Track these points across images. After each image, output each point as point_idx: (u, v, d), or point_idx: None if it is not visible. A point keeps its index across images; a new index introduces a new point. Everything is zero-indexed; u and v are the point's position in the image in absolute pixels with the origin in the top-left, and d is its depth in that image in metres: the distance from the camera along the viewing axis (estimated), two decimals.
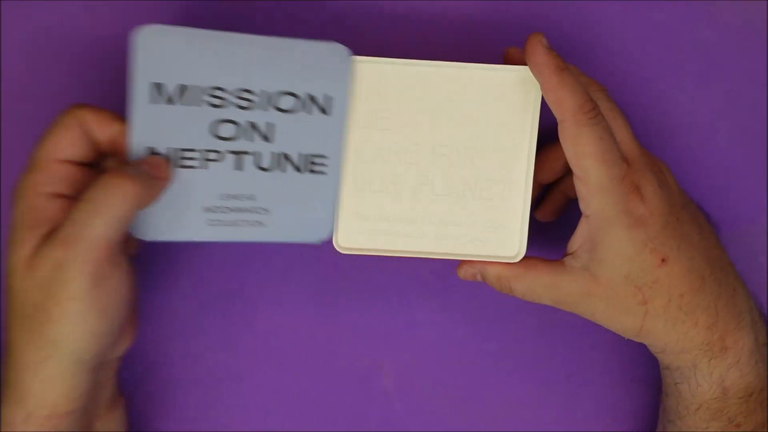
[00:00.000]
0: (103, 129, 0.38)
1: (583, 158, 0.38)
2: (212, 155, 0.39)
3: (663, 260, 0.39)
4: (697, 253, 0.40)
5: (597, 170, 0.38)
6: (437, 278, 0.48)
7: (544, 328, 0.50)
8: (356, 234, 0.41)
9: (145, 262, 0.47)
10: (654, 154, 0.42)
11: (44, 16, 0.46)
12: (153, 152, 0.38)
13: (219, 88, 0.38)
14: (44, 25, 0.46)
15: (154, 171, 0.37)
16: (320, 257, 0.48)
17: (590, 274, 0.39)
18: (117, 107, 0.47)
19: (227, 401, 0.52)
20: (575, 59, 0.47)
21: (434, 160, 0.40)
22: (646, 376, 0.51)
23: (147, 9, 0.46)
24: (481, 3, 0.46)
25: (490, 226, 0.41)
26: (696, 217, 0.41)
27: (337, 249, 0.41)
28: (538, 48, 0.38)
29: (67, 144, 0.37)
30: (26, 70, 0.47)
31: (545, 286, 0.40)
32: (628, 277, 0.39)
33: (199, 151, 0.38)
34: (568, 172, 0.43)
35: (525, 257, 0.41)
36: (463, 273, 0.42)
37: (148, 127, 0.38)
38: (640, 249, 0.38)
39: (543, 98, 0.39)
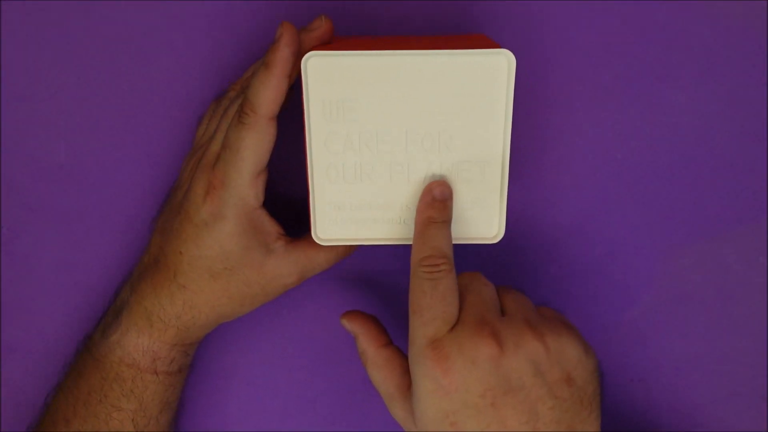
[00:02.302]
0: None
1: (409, 304, 0.38)
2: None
3: None
4: None
5: (412, 322, 0.38)
6: None
7: None
8: (333, 224, 0.41)
9: None
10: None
11: (44, 16, 0.46)
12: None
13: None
14: (44, 25, 0.46)
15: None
16: None
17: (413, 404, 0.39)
18: (117, 106, 0.48)
19: (227, 401, 0.52)
20: (575, 59, 0.47)
21: (408, 147, 0.40)
22: (646, 376, 0.51)
23: (146, 9, 0.46)
24: (481, 3, 0.46)
25: (469, 208, 0.41)
26: (534, 406, 0.37)
27: (316, 240, 0.42)
28: (424, 197, 0.40)
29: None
30: (26, 70, 0.47)
31: (388, 392, 0.41)
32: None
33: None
34: None
35: (392, 350, 0.41)
36: (344, 323, 0.43)
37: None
38: (442, 417, 0.37)
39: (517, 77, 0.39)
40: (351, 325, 0.43)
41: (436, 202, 0.40)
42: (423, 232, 0.39)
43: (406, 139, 0.40)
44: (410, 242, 0.42)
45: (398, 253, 0.49)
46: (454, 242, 0.41)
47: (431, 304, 0.38)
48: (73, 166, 0.48)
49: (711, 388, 0.51)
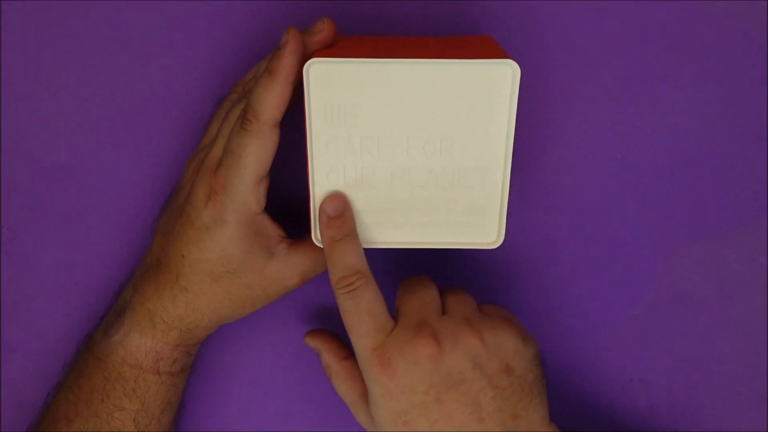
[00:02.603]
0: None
1: (343, 323, 0.40)
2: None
3: None
4: None
5: (351, 338, 0.40)
6: (437, 277, 0.48)
7: (542, 328, 0.50)
8: None
9: None
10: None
11: (44, 16, 0.46)
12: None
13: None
14: (44, 25, 0.46)
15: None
16: None
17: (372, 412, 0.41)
18: (118, 106, 0.48)
19: (227, 401, 0.52)
20: (575, 59, 0.47)
21: (409, 152, 0.40)
22: (646, 376, 0.51)
23: (146, 9, 0.46)
24: (482, 2, 0.46)
25: (469, 213, 0.41)
26: (476, 397, 0.39)
27: (316, 243, 0.42)
28: (320, 216, 0.41)
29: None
30: (26, 70, 0.47)
31: (352, 401, 0.43)
32: None
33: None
34: None
35: (352, 362, 0.43)
36: (307, 341, 0.46)
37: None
38: (395, 419, 0.39)
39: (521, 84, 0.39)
40: (314, 342, 0.46)
41: (332, 219, 0.40)
42: (330, 255, 0.40)
43: (407, 145, 0.39)
44: (410, 246, 0.42)
45: (398, 255, 0.49)
46: (454, 246, 0.42)
47: (359, 320, 0.39)
48: (73, 166, 0.48)
49: (711, 388, 0.51)
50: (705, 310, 0.50)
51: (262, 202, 0.41)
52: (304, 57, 0.38)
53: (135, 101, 0.47)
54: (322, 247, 0.42)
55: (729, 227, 0.49)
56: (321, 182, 0.40)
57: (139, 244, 0.49)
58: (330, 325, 0.50)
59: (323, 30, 0.39)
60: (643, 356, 0.50)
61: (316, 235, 0.42)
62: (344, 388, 0.44)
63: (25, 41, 0.46)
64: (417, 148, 0.40)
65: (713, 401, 0.51)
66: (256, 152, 0.39)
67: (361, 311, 0.39)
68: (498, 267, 0.50)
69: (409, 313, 0.40)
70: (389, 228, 0.41)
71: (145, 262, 0.45)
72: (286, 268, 0.43)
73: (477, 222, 0.41)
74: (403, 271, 0.49)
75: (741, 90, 0.47)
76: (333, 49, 0.40)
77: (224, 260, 0.41)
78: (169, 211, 0.44)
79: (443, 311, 0.41)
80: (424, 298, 0.41)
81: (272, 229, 0.42)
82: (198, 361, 0.50)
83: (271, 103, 0.38)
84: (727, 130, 0.48)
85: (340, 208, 0.41)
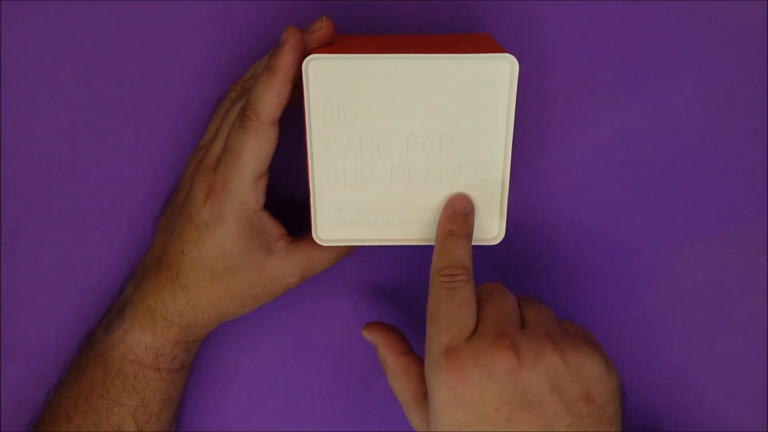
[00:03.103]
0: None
1: (427, 313, 0.38)
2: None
3: None
4: None
5: (428, 330, 0.38)
6: None
7: None
8: (334, 225, 0.41)
9: None
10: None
11: (44, 16, 0.46)
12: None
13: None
14: (44, 25, 0.46)
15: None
16: None
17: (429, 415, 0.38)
18: (118, 106, 0.48)
19: (227, 401, 0.52)
20: (575, 59, 0.47)
21: (408, 150, 0.40)
22: (646, 376, 0.51)
23: (146, 9, 0.46)
24: (482, 2, 0.46)
25: None
26: (550, 423, 0.36)
27: (317, 241, 0.42)
28: (445, 210, 0.40)
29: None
30: (26, 70, 0.47)
31: (406, 400, 0.40)
32: None
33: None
34: None
35: (410, 358, 0.41)
36: (364, 334, 0.44)
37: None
38: (457, 428, 0.36)
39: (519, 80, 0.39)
40: (371, 336, 0.43)
41: (457, 215, 0.40)
42: (443, 244, 0.40)
43: (407, 142, 0.39)
44: (410, 243, 0.42)
45: (398, 254, 0.49)
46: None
47: (448, 312, 0.37)
48: (74, 166, 0.48)
49: (711, 388, 0.51)
50: (705, 310, 0.50)
51: (261, 200, 0.41)
52: (304, 55, 0.38)
53: (135, 101, 0.47)
54: (323, 245, 0.42)
55: (729, 227, 0.49)
56: (321, 180, 0.40)
57: (139, 243, 0.49)
58: (331, 325, 0.50)
59: (322, 28, 0.39)
60: (643, 356, 0.50)
61: (316, 234, 0.42)
62: (399, 385, 0.41)
63: (25, 41, 0.46)
64: (416, 145, 0.40)
65: (713, 401, 0.51)
66: (255, 150, 0.39)
67: (453, 304, 0.37)
68: (498, 266, 0.50)
69: (489, 320, 0.38)
70: (389, 225, 0.41)
71: (146, 261, 0.45)
72: (286, 266, 0.42)
73: (478, 218, 0.41)
74: (404, 268, 0.49)
75: (741, 90, 0.47)
76: (332, 46, 0.40)
77: (224, 258, 0.41)
78: (170, 209, 0.44)
79: (522, 324, 0.39)
80: (504, 308, 0.38)
81: (272, 227, 0.42)
82: (198, 360, 0.50)
83: (270, 101, 0.38)
84: (727, 130, 0.48)
85: (468, 209, 0.41)
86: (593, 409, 0.36)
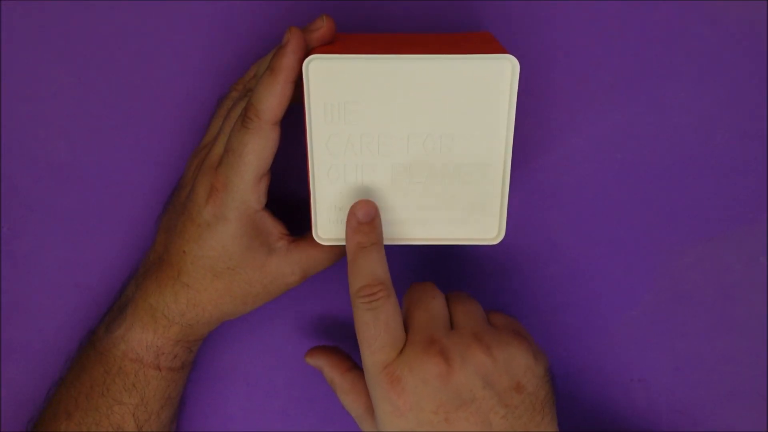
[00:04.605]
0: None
1: (356, 334, 0.39)
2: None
3: None
4: None
5: (362, 351, 0.39)
6: (438, 275, 0.49)
7: (543, 328, 0.50)
8: (334, 224, 0.41)
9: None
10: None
11: (44, 16, 0.46)
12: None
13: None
14: (44, 25, 0.46)
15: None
16: None
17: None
18: (118, 106, 0.48)
19: (227, 401, 0.52)
20: (575, 59, 0.47)
21: (409, 149, 0.40)
22: (646, 376, 0.51)
23: (146, 9, 0.46)
24: (482, 2, 0.46)
25: (470, 209, 0.41)
26: (486, 416, 0.38)
27: (317, 240, 0.42)
28: (349, 220, 0.40)
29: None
30: (26, 70, 0.47)
31: (358, 414, 0.43)
32: None
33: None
34: None
35: (356, 374, 0.43)
36: (308, 360, 0.46)
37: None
38: None
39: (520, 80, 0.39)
40: (314, 360, 0.46)
41: (362, 225, 0.40)
42: (354, 261, 0.40)
43: (407, 141, 0.40)
44: (410, 242, 0.42)
45: (399, 252, 0.49)
46: (454, 242, 0.42)
47: (376, 334, 0.39)
48: (74, 166, 0.48)
49: (711, 388, 0.51)
50: (705, 310, 0.50)
51: (263, 200, 0.41)
52: (306, 56, 0.39)
53: (135, 101, 0.47)
54: (324, 244, 0.42)
55: (729, 227, 0.49)
56: (321, 179, 0.40)
57: (140, 243, 0.49)
58: (331, 325, 0.50)
59: (322, 27, 0.40)
60: (643, 356, 0.50)
61: (317, 233, 0.42)
62: (348, 400, 0.43)
63: (25, 41, 0.46)
64: (417, 144, 0.40)
65: (713, 401, 0.51)
66: (256, 150, 0.39)
67: (379, 325, 0.39)
68: (497, 266, 0.50)
69: (418, 327, 0.39)
70: (390, 224, 0.41)
71: (148, 259, 0.45)
72: (287, 265, 0.43)
73: (478, 218, 0.41)
74: (403, 267, 0.49)
75: (741, 90, 0.47)
76: (332, 46, 0.40)
77: (225, 257, 0.41)
78: (172, 208, 0.44)
79: (452, 323, 0.40)
80: (432, 312, 0.40)
81: (273, 226, 0.42)
82: (198, 360, 0.50)
83: (272, 101, 0.38)
84: (727, 130, 0.48)
85: (372, 214, 0.40)
86: (525, 396, 0.39)
